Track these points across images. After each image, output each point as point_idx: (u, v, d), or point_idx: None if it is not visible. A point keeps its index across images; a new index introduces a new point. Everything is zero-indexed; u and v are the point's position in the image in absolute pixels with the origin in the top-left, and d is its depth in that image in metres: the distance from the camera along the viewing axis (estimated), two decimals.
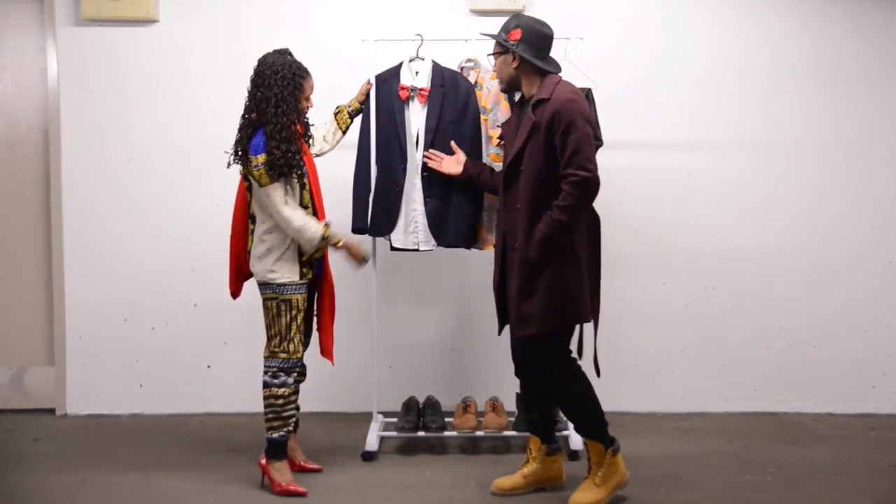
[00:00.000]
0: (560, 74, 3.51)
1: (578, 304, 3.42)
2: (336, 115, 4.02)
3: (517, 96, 4.05)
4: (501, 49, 3.53)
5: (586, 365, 3.55)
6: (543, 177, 3.38)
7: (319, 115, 3.88)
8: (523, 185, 3.42)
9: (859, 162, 4.69)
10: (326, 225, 3.64)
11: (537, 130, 3.38)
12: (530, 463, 3.67)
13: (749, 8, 4.67)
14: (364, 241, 3.93)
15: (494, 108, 4.02)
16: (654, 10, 4.67)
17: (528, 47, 3.45)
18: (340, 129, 4.02)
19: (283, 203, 3.54)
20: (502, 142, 3.97)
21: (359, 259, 3.77)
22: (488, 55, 3.65)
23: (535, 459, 3.66)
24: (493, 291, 3.65)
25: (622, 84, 4.43)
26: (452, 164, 3.95)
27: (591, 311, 3.49)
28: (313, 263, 3.70)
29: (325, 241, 3.62)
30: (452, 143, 3.98)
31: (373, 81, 4.08)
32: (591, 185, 3.32)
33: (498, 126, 3.98)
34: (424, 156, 3.98)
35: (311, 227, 3.58)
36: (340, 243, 3.67)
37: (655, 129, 4.65)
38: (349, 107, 4.05)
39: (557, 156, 3.34)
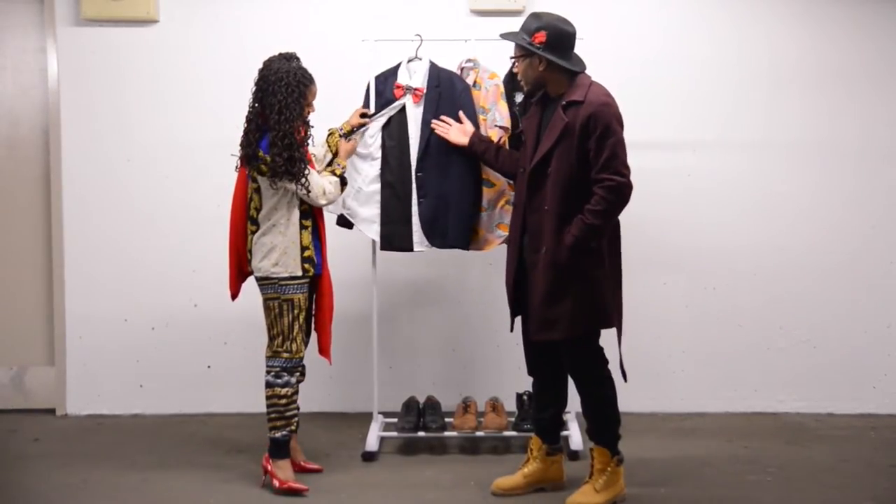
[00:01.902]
0: (586, 71, 3.49)
1: (607, 307, 3.42)
2: (328, 137, 4.02)
3: (519, 97, 4.06)
4: (525, 52, 3.47)
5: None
6: (575, 179, 3.35)
7: (319, 117, 3.87)
8: (551, 186, 3.39)
9: (859, 162, 4.69)
10: (333, 172, 3.81)
11: (570, 132, 3.35)
12: (531, 462, 3.67)
13: (749, 8, 4.67)
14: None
15: (493, 108, 4.00)
16: (654, 10, 4.67)
17: (554, 49, 3.41)
18: (331, 151, 4.02)
19: (304, 190, 3.63)
20: (503, 139, 3.96)
21: (353, 148, 3.98)
22: (511, 57, 3.61)
23: (536, 459, 3.66)
24: (507, 289, 3.65)
25: (622, 84, 4.40)
26: (459, 133, 3.90)
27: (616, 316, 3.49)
28: (314, 261, 3.70)
29: (342, 177, 3.84)
30: (461, 113, 3.94)
31: (373, 85, 4.08)
32: (626, 191, 3.32)
33: (496, 126, 3.96)
34: (433, 123, 3.95)
35: (331, 189, 3.72)
36: (344, 162, 3.89)
37: (656, 130, 4.64)
38: (340, 129, 4.05)
39: (591, 159, 3.32)
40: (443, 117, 3.95)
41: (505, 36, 3.56)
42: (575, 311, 3.37)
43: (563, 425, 3.80)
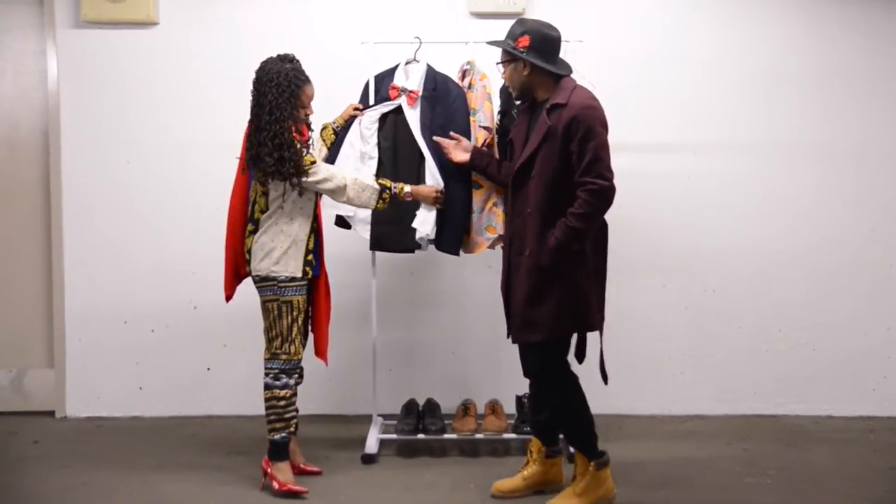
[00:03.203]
0: (573, 75, 3.49)
1: (588, 311, 3.41)
2: (321, 131, 4.02)
3: (519, 100, 4.06)
4: (510, 57, 3.49)
5: (590, 371, 3.53)
6: (556, 182, 3.35)
7: (319, 119, 3.88)
8: (534, 189, 3.39)
9: (858, 164, 4.70)
10: (383, 185, 3.76)
11: (552, 135, 3.35)
12: (530, 465, 3.67)
13: (748, 10, 4.67)
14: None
15: (479, 109, 4.01)
16: (654, 12, 4.68)
17: (538, 53, 3.42)
18: (326, 145, 4.03)
19: (325, 178, 3.62)
20: (487, 141, 3.95)
21: (431, 199, 3.87)
22: (497, 63, 3.62)
23: (536, 461, 3.66)
24: (502, 294, 3.65)
25: (621, 86, 4.43)
26: (460, 152, 3.90)
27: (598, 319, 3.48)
28: (313, 264, 3.71)
29: (389, 193, 3.77)
30: (452, 133, 3.93)
31: (372, 84, 4.09)
32: (608, 194, 3.31)
33: (481, 127, 3.97)
34: (435, 138, 3.95)
35: (353, 189, 3.68)
36: (409, 193, 3.82)
37: (655, 132, 4.65)
38: (334, 123, 4.06)
39: (573, 162, 3.32)
40: (437, 138, 3.94)
41: (491, 42, 3.59)
42: (556, 314, 3.37)
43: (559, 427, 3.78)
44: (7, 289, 4.80)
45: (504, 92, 4.05)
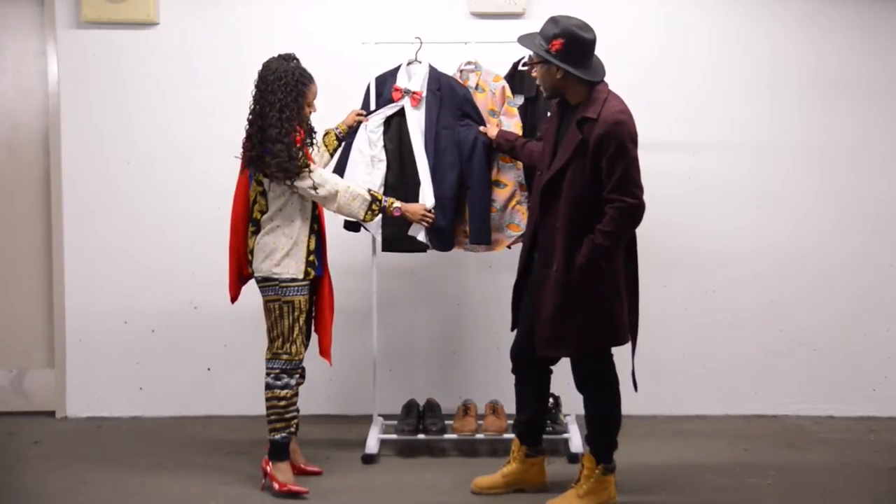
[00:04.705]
0: (605, 79, 3.41)
1: (617, 325, 3.39)
2: (324, 137, 4.02)
3: (520, 99, 4.06)
4: (542, 59, 3.38)
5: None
6: (587, 198, 3.30)
7: (319, 119, 3.87)
8: (564, 203, 3.34)
9: (859, 164, 4.70)
10: (374, 196, 3.74)
11: (583, 151, 3.28)
12: (511, 463, 3.69)
13: (750, 11, 4.67)
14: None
15: (501, 112, 4.01)
16: (655, 12, 4.68)
17: (571, 57, 3.31)
18: (328, 150, 4.02)
19: (317, 183, 3.60)
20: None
21: (417, 217, 3.86)
22: (526, 64, 3.58)
23: (516, 460, 3.67)
24: (513, 295, 3.64)
25: (622, 86, 4.39)
26: (492, 126, 3.97)
27: (629, 327, 3.47)
28: (315, 264, 3.71)
29: (378, 205, 3.75)
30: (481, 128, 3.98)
31: (373, 87, 4.08)
32: (637, 212, 3.29)
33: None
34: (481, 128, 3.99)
35: (345, 198, 3.66)
36: (399, 207, 3.80)
37: (655, 131, 4.62)
38: (337, 129, 4.06)
39: (603, 178, 3.27)
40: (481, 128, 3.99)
41: (522, 41, 3.45)
42: (585, 330, 3.35)
43: (543, 428, 3.77)
44: (7, 289, 4.80)
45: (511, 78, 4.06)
